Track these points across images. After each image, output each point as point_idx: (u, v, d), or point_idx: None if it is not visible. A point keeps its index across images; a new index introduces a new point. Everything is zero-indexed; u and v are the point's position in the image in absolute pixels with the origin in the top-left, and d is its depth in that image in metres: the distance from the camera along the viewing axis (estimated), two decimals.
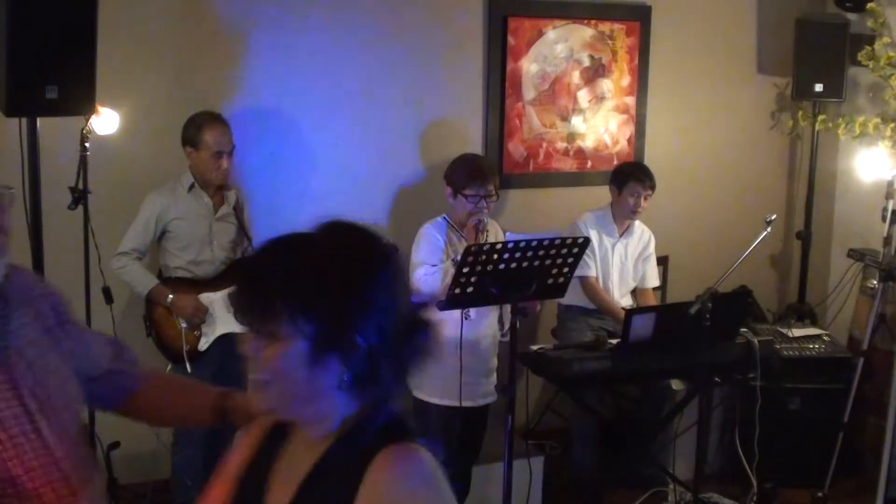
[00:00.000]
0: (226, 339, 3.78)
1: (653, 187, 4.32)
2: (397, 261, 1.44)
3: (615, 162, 4.83)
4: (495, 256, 3.28)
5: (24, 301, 1.78)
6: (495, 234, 3.98)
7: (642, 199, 4.31)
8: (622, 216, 4.38)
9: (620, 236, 4.42)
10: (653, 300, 4.57)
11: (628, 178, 4.31)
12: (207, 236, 3.77)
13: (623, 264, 4.46)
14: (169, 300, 3.68)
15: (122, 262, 3.69)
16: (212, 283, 3.77)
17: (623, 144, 4.98)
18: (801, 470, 4.32)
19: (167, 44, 4.07)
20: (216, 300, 3.75)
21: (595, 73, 4.85)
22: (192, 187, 3.76)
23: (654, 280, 4.58)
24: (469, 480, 3.91)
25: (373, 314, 1.37)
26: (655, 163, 4.98)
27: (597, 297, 4.33)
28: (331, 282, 1.35)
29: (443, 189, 3.86)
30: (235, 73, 4.18)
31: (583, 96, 4.85)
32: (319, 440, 1.43)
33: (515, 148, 4.75)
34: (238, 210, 3.84)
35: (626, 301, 4.50)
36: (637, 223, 4.45)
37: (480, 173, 3.79)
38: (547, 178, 4.84)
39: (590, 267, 4.29)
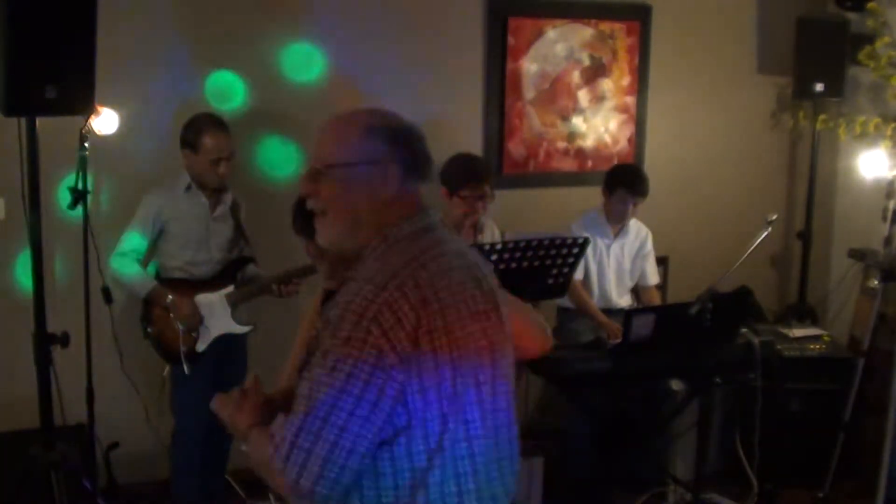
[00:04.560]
0: (224, 340, 3.77)
1: (643, 194, 4.26)
2: None
3: (615, 162, 4.83)
4: (495, 257, 3.27)
5: None
6: (491, 233, 3.97)
7: (630, 207, 4.27)
8: (614, 218, 4.37)
9: (615, 237, 4.41)
10: (656, 298, 4.55)
11: (618, 185, 4.27)
12: (204, 236, 3.77)
13: (619, 264, 4.44)
14: (168, 301, 3.68)
15: (120, 263, 3.69)
16: (209, 284, 3.76)
17: (623, 144, 4.98)
18: (802, 470, 4.32)
19: (167, 43, 4.07)
20: (214, 300, 3.75)
21: (595, 72, 4.85)
22: (189, 188, 3.75)
23: (654, 277, 4.56)
24: None
25: None
26: (655, 163, 4.99)
27: (577, 297, 4.28)
28: None
29: (440, 189, 3.86)
30: (234, 74, 4.18)
31: (583, 96, 4.85)
32: None
33: (515, 148, 4.75)
34: (235, 210, 3.83)
35: (625, 301, 4.49)
36: (633, 221, 4.43)
37: (476, 174, 3.79)
38: (547, 178, 4.84)
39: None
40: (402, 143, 1.76)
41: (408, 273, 1.65)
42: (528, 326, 2.08)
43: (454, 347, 1.67)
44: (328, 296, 1.99)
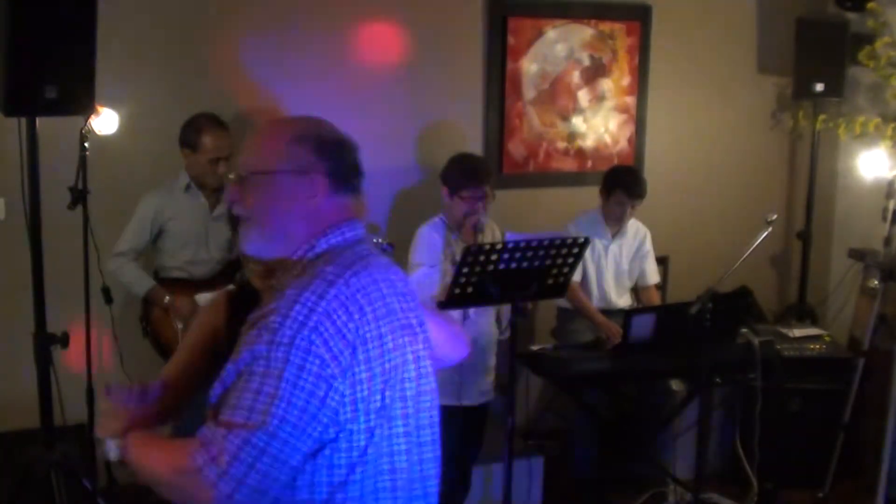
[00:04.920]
0: None
1: (641, 196, 4.26)
2: None
3: (615, 162, 4.83)
4: (495, 257, 3.27)
5: None
6: (492, 234, 3.97)
7: (627, 209, 4.27)
8: (612, 219, 4.37)
9: (613, 238, 4.40)
10: (656, 298, 4.55)
11: (616, 186, 4.26)
12: (203, 236, 3.77)
13: (618, 265, 4.43)
14: (167, 301, 3.68)
15: (118, 262, 3.69)
16: (208, 284, 3.76)
17: (623, 144, 4.98)
18: (802, 470, 4.32)
19: (167, 43, 4.07)
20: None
21: (595, 72, 4.85)
22: (188, 187, 3.76)
23: (654, 277, 4.56)
24: (469, 480, 3.91)
25: None
26: (655, 163, 4.99)
27: (575, 299, 4.27)
28: None
29: (441, 189, 3.86)
30: (235, 74, 4.18)
31: (583, 96, 4.85)
32: None
33: (515, 148, 4.75)
34: None
35: (625, 301, 4.48)
36: (631, 221, 4.42)
37: (476, 174, 3.79)
38: (547, 178, 4.84)
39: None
40: (330, 153, 1.72)
41: (342, 282, 1.61)
42: (446, 335, 2.05)
43: (386, 360, 1.63)
44: (238, 297, 1.94)
